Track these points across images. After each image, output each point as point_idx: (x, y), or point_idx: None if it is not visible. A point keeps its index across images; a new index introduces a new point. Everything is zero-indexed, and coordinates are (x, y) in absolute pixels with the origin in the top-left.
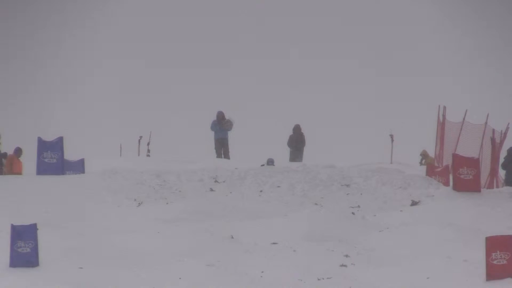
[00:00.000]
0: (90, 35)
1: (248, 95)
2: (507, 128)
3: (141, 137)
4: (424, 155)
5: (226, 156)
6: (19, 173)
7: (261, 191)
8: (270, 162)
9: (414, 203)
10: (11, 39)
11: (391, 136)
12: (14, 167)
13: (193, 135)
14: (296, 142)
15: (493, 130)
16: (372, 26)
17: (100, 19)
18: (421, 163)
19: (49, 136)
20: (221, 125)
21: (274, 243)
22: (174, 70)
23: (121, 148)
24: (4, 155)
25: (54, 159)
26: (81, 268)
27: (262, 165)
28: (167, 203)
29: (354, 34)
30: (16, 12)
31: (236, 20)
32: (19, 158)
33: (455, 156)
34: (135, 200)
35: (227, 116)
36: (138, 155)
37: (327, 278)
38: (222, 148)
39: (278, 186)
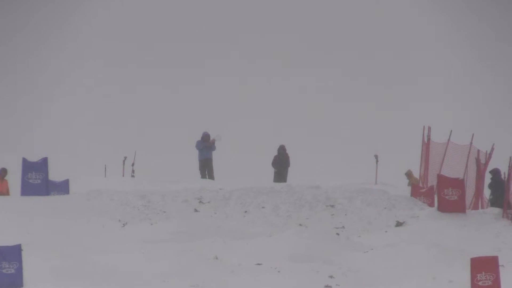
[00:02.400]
0: (72, 52)
1: (233, 114)
2: (492, 149)
3: (125, 157)
4: (408, 175)
5: (211, 176)
6: (4, 194)
7: (245, 211)
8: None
9: (399, 224)
10: None
11: (376, 156)
12: None
13: (178, 155)
14: (281, 163)
15: (478, 151)
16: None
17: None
18: (408, 184)
19: (34, 157)
20: (206, 145)
21: (258, 264)
22: (159, 89)
23: (105, 168)
24: None
25: (38, 180)
26: None
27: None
28: (151, 224)
29: (338, 52)
30: None
31: (216, 36)
32: (5, 178)
33: (440, 177)
34: (119, 220)
35: (214, 135)
36: (123, 175)
37: None
38: (206, 168)
39: (263, 207)
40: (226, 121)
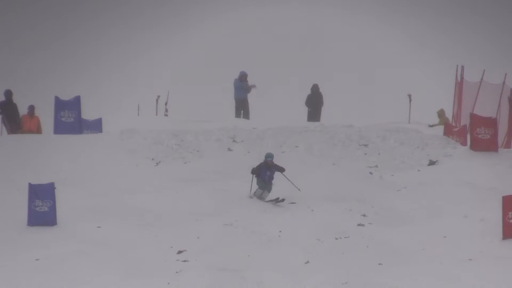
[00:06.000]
0: None
1: (268, 54)
2: None
3: (158, 96)
4: (440, 114)
5: (246, 116)
6: (34, 131)
7: (280, 151)
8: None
9: (431, 163)
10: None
11: (409, 96)
12: (24, 125)
13: (212, 94)
14: (314, 102)
15: (511, 90)
16: None
17: None
18: (440, 123)
19: (67, 95)
20: (242, 85)
21: (292, 203)
22: (194, 30)
23: (138, 107)
24: (14, 106)
25: (71, 118)
26: (99, 227)
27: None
28: (185, 163)
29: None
30: None
31: None
32: (35, 115)
33: (473, 116)
34: (153, 159)
35: (249, 81)
36: (156, 114)
37: (345, 237)
38: (242, 108)
39: (296, 146)
40: (261, 60)
